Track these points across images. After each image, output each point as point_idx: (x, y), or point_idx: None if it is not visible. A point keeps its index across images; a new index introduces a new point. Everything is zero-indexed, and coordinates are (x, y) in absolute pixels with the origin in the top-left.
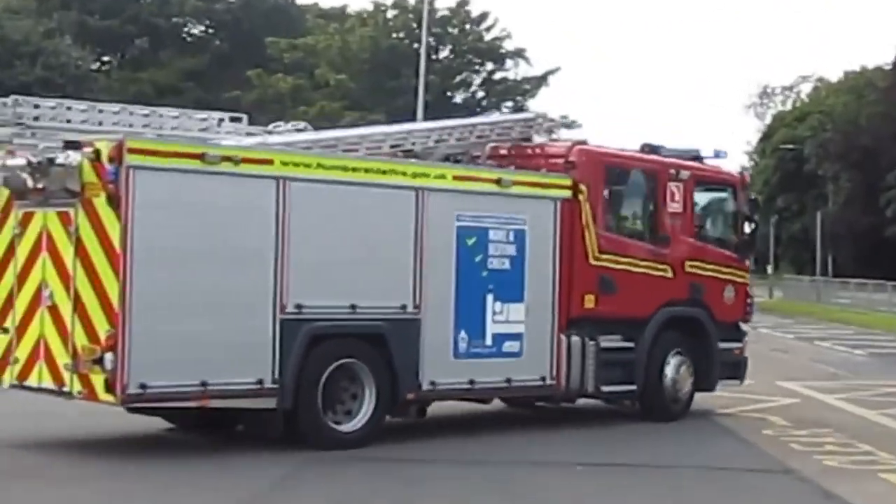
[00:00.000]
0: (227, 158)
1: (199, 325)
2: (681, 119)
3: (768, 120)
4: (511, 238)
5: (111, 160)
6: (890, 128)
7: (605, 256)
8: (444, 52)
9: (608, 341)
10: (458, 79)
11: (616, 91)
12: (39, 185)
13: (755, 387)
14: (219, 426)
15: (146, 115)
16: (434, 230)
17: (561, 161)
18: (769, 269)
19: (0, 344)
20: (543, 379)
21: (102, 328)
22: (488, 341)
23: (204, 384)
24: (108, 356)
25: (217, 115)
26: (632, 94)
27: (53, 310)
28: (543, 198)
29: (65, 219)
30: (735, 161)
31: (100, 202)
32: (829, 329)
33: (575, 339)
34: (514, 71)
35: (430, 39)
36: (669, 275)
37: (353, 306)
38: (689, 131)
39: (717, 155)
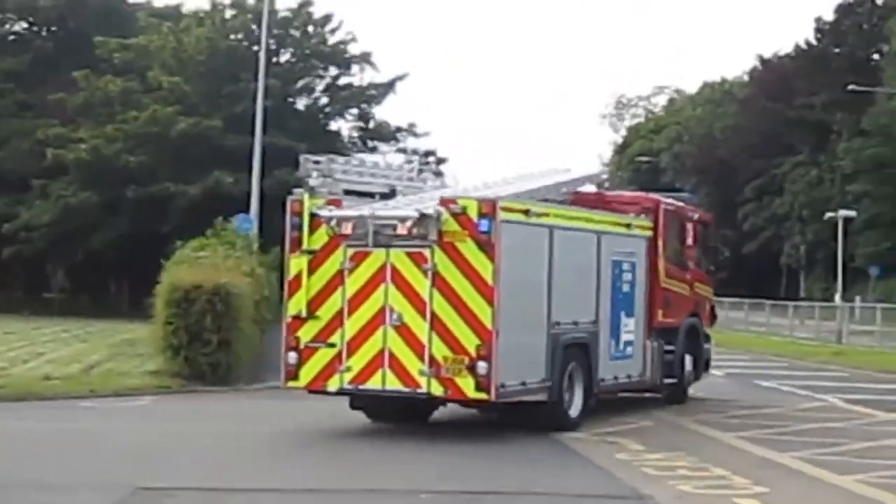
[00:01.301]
0: (531, 212)
1: (522, 338)
2: (536, 130)
3: (623, 132)
4: (629, 267)
5: (483, 215)
6: (746, 140)
7: (667, 280)
8: (286, 56)
9: (666, 345)
10: (300, 84)
11: (470, 101)
12: (399, 232)
13: (606, 409)
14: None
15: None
16: (604, 263)
17: (639, 208)
18: None
19: (326, 356)
20: (641, 375)
21: (471, 343)
22: (621, 346)
23: (524, 383)
24: (482, 364)
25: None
26: (487, 105)
27: (403, 328)
28: (641, 237)
29: (417, 258)
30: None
31: (466, 247)
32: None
33: (654, 343)
34: (360, 76)
35: (271, 42)
36: (688, 293)
37: (575, 322)
38: (545, 142)
39: (691, 198)
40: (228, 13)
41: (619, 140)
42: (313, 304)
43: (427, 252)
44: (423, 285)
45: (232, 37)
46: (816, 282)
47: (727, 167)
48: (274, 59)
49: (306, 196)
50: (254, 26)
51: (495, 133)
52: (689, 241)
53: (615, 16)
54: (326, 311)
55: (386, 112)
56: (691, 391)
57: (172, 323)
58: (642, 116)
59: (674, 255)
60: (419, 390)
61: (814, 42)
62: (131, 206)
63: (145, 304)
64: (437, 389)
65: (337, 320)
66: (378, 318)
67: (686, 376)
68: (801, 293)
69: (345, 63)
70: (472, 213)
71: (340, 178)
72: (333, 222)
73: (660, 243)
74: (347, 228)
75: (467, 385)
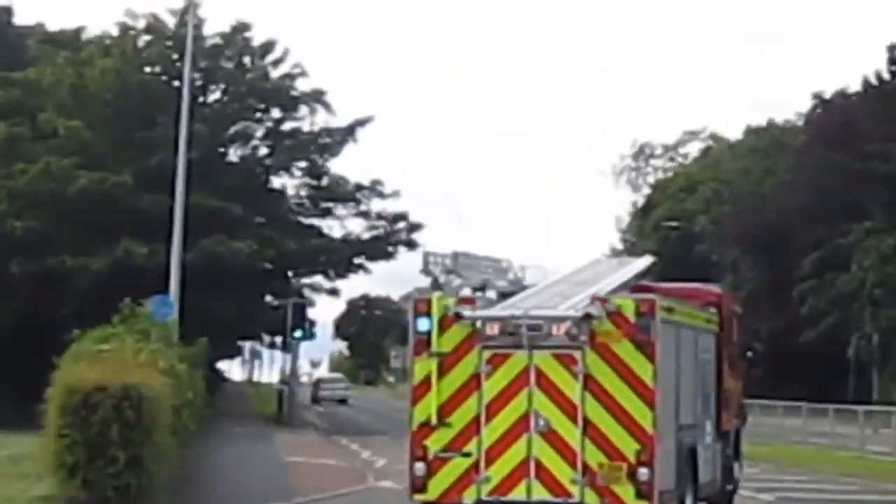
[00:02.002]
0: (674, 311)
1: (665, 443)
2: (542, 189)
3: (646, 189)
4: (709, 367)
5: (641, 314)
6: (802, 200)
7: (728, 380)
8: (216, 94)
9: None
10: (233, 129)
11: (435, 154)
12: (554, 334)
13: None
14: None
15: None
16: (699, 361)
17: (700, 302)
18: None
19: (460, 466)
20: (713, 481)
21: (630, 448)
22: (706, 450)
23: (668, 491)
24: (642, 470)
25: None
26: (450, 161)
27: (550, 434)
28: (712, 333)
29: (566, 360)
30: (605, 244)
31: (622, 348)
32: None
33: (719, 446)
34: (311, 120)
35: (196, 76)
36: (738, 393)
37: (692, 425)
38: (551, 204)
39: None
40: (142, 39)
41: (641, 200)
42: (444, 411)
43: (577, 354)
44: (573, 389)
45: (147, 69)
46: (894, 381)
47: (779, 235)
48: (200, 98)
49: (436, 294)
50: (174, 56)
51: (474, 194)
52: (735, 335)
53: (634, 53)
54: (460, 419)
55: (344, 165)
56: None
57: (68, 435)
58: (670, 169)
59: (729, 353)
60: (571, 500)
61: (886, 75)
62: (17, 284)
63: (34, 411)
64: (592, 499)
65: (472, 428)
66: (521, 425)
67: (736, 484)
68: (873, 395)
69: (291, 103)
70: (629, 313)
71: (466, 275)
72: (479, 323)
73: (724, 340)
74: (493, 330)
75: (626, 493)
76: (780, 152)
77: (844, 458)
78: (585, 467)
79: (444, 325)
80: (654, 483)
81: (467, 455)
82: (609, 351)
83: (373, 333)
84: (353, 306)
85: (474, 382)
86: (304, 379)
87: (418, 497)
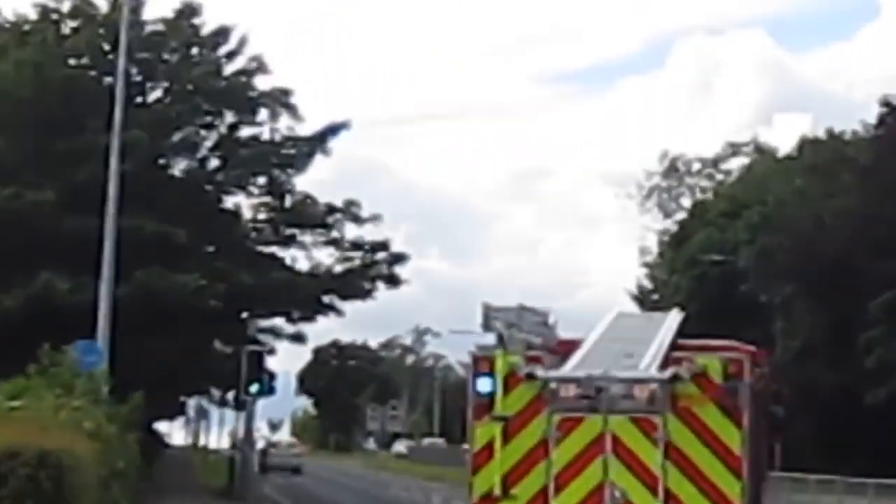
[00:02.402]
0: (755, 372)
1: None
2: (534, 214)
3: (680, 214)
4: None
5: (728, 376)
6: (870, 229)
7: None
8: (157, 93)
9: None
10: (177, 136)
11: (420, 170)
12: (637, 396)
13: None
14: None
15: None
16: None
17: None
18: None
19: None
20: None
21: None
22: None
23: None
24: None
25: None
26: (438, 183)
27: None
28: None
29: (645, 426)
30: (630, 281)
31: (706, 412)
32: None
33: None
34: (272, 127)
35: (133, 71)
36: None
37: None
38: (548, 233)
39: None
40: (67, 25)
41: (673, 227)
42: (509, 481)
43: (657, 419)
44: (653, 458)
45: (73, 62)
46: None
47: (841, 272)
48: (138, 98)
49: (500, 352)
50: (106, 46)
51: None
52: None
53: (656, 50)
54: (526, 490)
55: (312, 183)
56: None
57: None
58: (709, 190)
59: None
60: None
61: None
62: None
63: None
64: None
65: (540, 500)
66: (595, 497)
67: None
68: None
69: (248, 105)
70: (715, 374)
71: (530, 331)
72: (553, 385)
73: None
74: (569, 392)
75: None
76: (843, 170)
77: None
78: None
79: (508, 386)
80: None
81: None
82: (692, 415)
83: (346, 388)
84: (322, 355)
85: (542, 449)
86: (260, 444)
87: None
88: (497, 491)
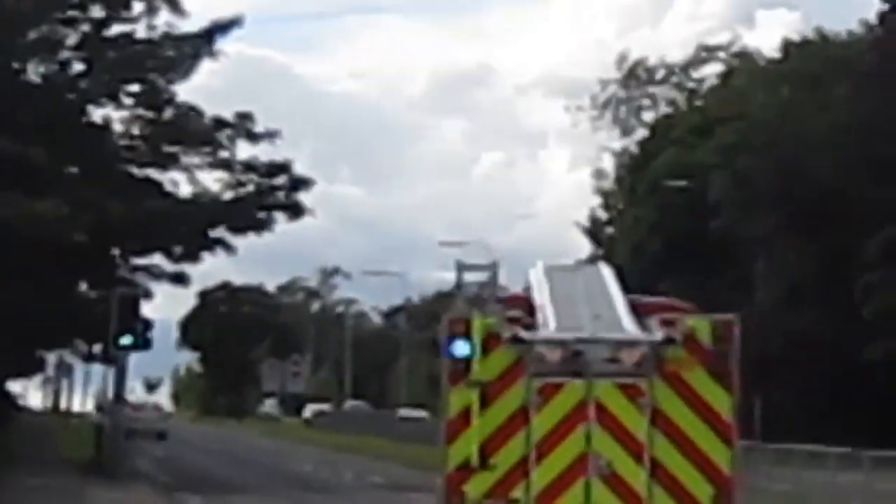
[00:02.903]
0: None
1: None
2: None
3: (640, 132)
4: None
5: (718, 339)
6: (868, 149)
7: None
8: None
9: None
10: (33, 35)
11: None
12: (626, 360)
13: None
14: None
15: None
16: None
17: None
18: None
19: None
20: None
21: (704, 493)
22: None
23: None
24: None
25: None
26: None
27: (612, 478)
28: None
29: (631, 391)
30: (578, 214)
31: (694, 377)
32: None
33: None
34: (148, 23)
35: None
36: None
37: None
38: (481, 153)
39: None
40: None
41: (634, 147)
42: (487, 450)
43: (643, 384)
44: (639, 425)
45: None
46: None
47: (833, 200)
48: None
49: (475, 312)
50: None
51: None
52: None
53: None
54: (505, 459)
55: (196, 92)
56: None
57: None
58: (676, 102)
59: None
60: None
61: None
62: None
63: None
64: None
65: (520, 470)
66: (578, 467)
67: None
68: None
69: None
70: (703, 337)
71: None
72: (542, 348)
73: None
74: (555, 355)
75: None
76: (836, 79)
77: None
78: None
79: (486, 350)
80: None
81: (514, 502)
82: (680, 380)
83: (238, 341)
84: (209, 301)
85: (522, 417)
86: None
87: None
88: (474, 460)
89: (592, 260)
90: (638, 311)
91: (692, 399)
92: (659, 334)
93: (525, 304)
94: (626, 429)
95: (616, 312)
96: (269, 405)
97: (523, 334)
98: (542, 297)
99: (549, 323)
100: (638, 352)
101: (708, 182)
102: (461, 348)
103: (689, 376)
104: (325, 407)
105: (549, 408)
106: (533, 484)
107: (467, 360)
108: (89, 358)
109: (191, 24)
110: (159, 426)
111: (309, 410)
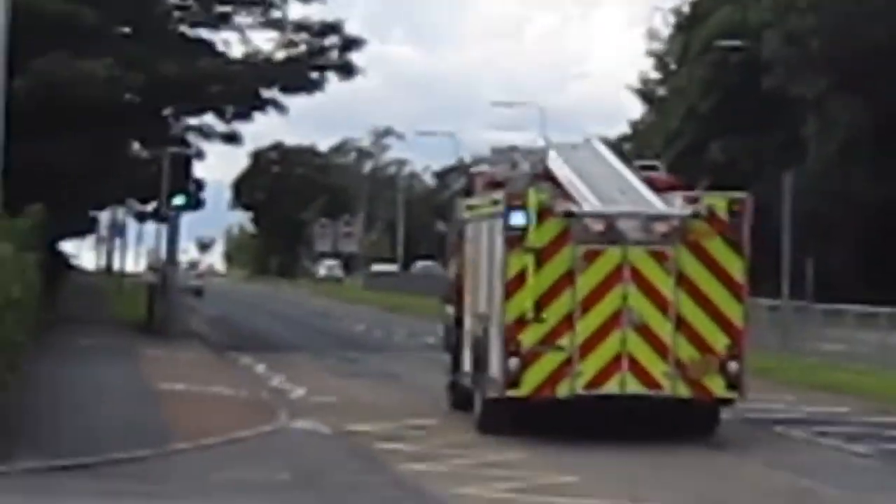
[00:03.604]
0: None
1: None
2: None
3: None
4: None
5: (734, 213)
6: None
7: None
8: None
9: None
10: None
11: None
12: (660, 231)
13: None
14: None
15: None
16: None
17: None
18: None
19: (553, 361)
20: None
21: (720, 342)
22: None
23: None
24: (732, 363)
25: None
26: None
27: (643, 329)
28: None
29: (659, 257)
30: (625, 78)
31: (713, 245)
32: (807, 401)
33: None
34: None
35: None
36: None
37: None
38: (535, 16)
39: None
40: None
41: (686, 9)
42: (539, 306)
43: (670, 251)
44: (666, 285)
45: None
46: None
47: (886, 59)
48: None
49: (532, 190)
50: None
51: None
52: None
53: None
54: (554, 313)
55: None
56: None
57: None
58: None
59: None
60: (662, 393)
61: None
62: None
63: None
64: (684, 391)
65: (566, 323)
66: (615, 320)
67: None
68: None
69: None
70: (721, 211)
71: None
72: (591, 222)
73: None
74: (599, 226)
75: (717, 385)
76: None
77: None
78: (677, 361)
79: (540, 220)
80: (743, 375)
81: (560, 349)
82: (700, 248)
83: (290, 201)
84: (261, 161)
85: (568, 278)
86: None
87: (511, 392)
88: (529, 315)
89: (638, 124)
90: (655, 187)
91: (711, 264)
92: (687, 210)
93: (547, 180)
94: (655, 288)
95: (636, 188)
96: (329, 266)
97: (573, 208)
98: (564, 173)
99: (588, 198)
100: (667, 224)
101: (761, 41)
102: (518, 218)
103: (708, 245)
104: (390, 267)
105: (592, 270)
106: (577, 334)
107: (523, 230)
108: (142, 217)
109: None
110: (195, 283)
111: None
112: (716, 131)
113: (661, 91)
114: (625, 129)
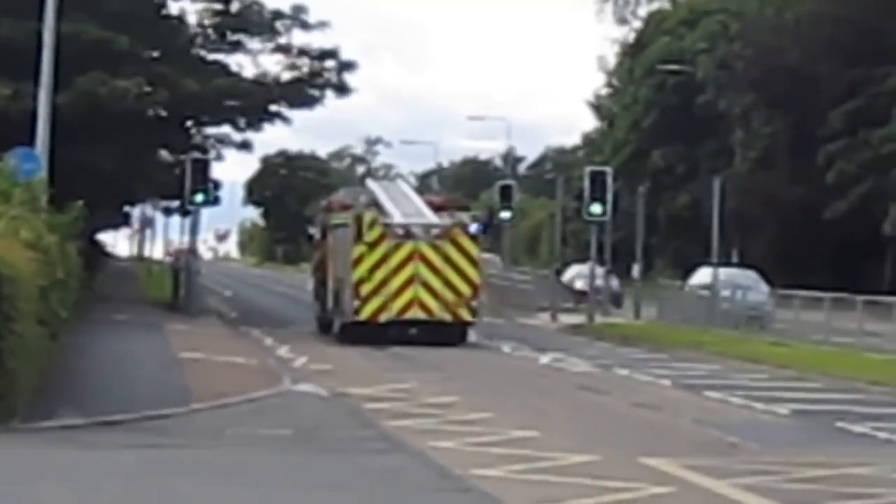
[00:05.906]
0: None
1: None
2: (496, 22)
3: (637, 23)
4: None
5: (475, 219)
6: (833, 37)
7: None
8: None
9: None
10: None
11: None
12: (433, 232)
13: (605, 465)
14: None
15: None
16: None
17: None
18: (635, 272)
19: (378, 301)
20: None
21: (466, 291)
22: None
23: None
24: (473, 302)
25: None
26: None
27: (426, 285)
28: None
29: (435, 247)
30: (587, 89)
31: (463, 239)
32: (734, 372)
33: None
34: None
35: None
36: None
37: None
38: (508, 42)
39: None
40: None
41: (631, 37)
42: (370, 273)
43: (440, 242)
44: (439, 261)
45: None
46: None
47: (801, 81)
48: None
49: (367, 211)
50: None
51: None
52: None
53: None
54: (378, 277)
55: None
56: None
57: None
58: None
59: None
60: (435, 317)
61: None
62: None
63: None
64: (447, 317)
65: (384, 282)
66: (410, 281)
67: None
68: None
69: None
70: (466, 219)
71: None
72: (397, 228)
73: None
74: (402, 230)
75: (466, 314)
76: None
77: (875, 361)
78: (444, 301)
79: (370, 227)
80: (477, 308)
81: (382, 295)
82: (456, 241)
83: (294, 199)
84: (270, 165)
85: (385, 258)
86: (207, 255)
87: (356, 318)
88: (365, 277)
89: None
90: (432, 206)
91: (461, 250)
92: (449, 221)
93: (374, 205)
94: (432, 263)
95: (422, 209)
96: None
97: (388, 220)
98: (383, 200)
99: (396, 214)
100: (438, 229)
101: (696, 65)
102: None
103: (460, 239)
104: None
105: (398, 254)
106: (390, 288)
107: (360, 231)
108: (168, 212)
109: None
110: (196, 266)
111: None
112: (656, 141)
113: (612, 107)
114: (578, 139)
